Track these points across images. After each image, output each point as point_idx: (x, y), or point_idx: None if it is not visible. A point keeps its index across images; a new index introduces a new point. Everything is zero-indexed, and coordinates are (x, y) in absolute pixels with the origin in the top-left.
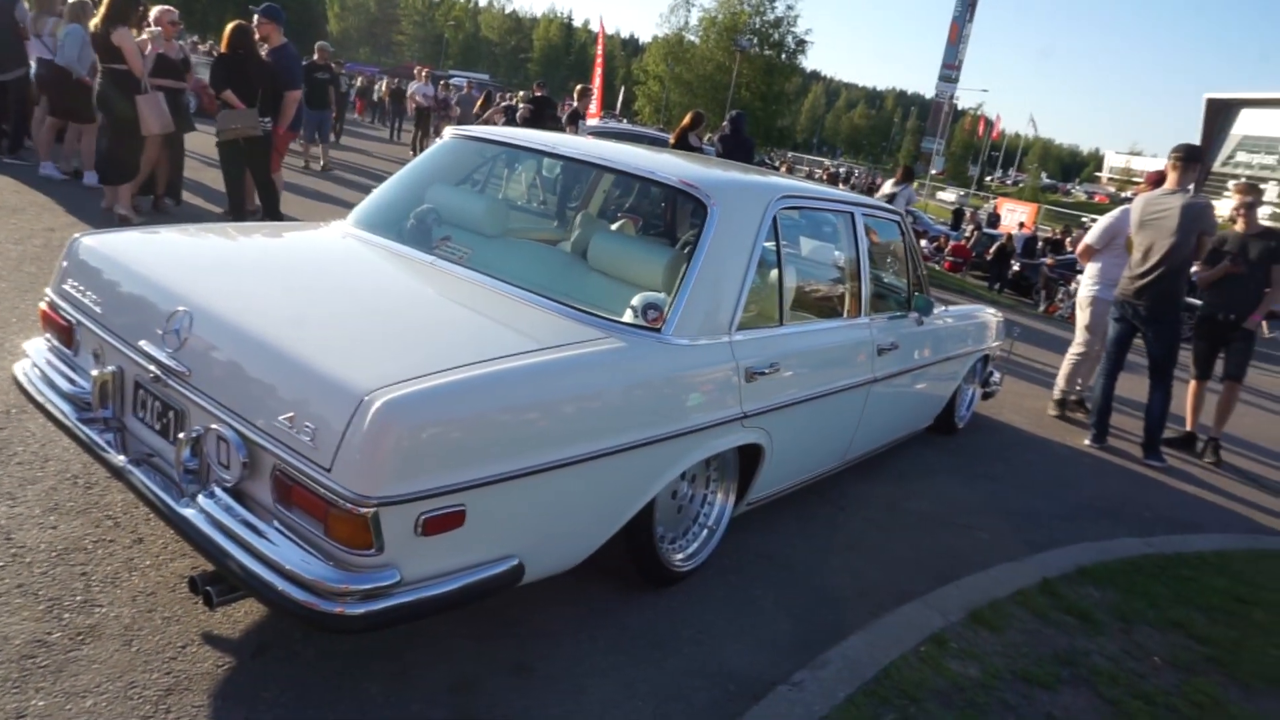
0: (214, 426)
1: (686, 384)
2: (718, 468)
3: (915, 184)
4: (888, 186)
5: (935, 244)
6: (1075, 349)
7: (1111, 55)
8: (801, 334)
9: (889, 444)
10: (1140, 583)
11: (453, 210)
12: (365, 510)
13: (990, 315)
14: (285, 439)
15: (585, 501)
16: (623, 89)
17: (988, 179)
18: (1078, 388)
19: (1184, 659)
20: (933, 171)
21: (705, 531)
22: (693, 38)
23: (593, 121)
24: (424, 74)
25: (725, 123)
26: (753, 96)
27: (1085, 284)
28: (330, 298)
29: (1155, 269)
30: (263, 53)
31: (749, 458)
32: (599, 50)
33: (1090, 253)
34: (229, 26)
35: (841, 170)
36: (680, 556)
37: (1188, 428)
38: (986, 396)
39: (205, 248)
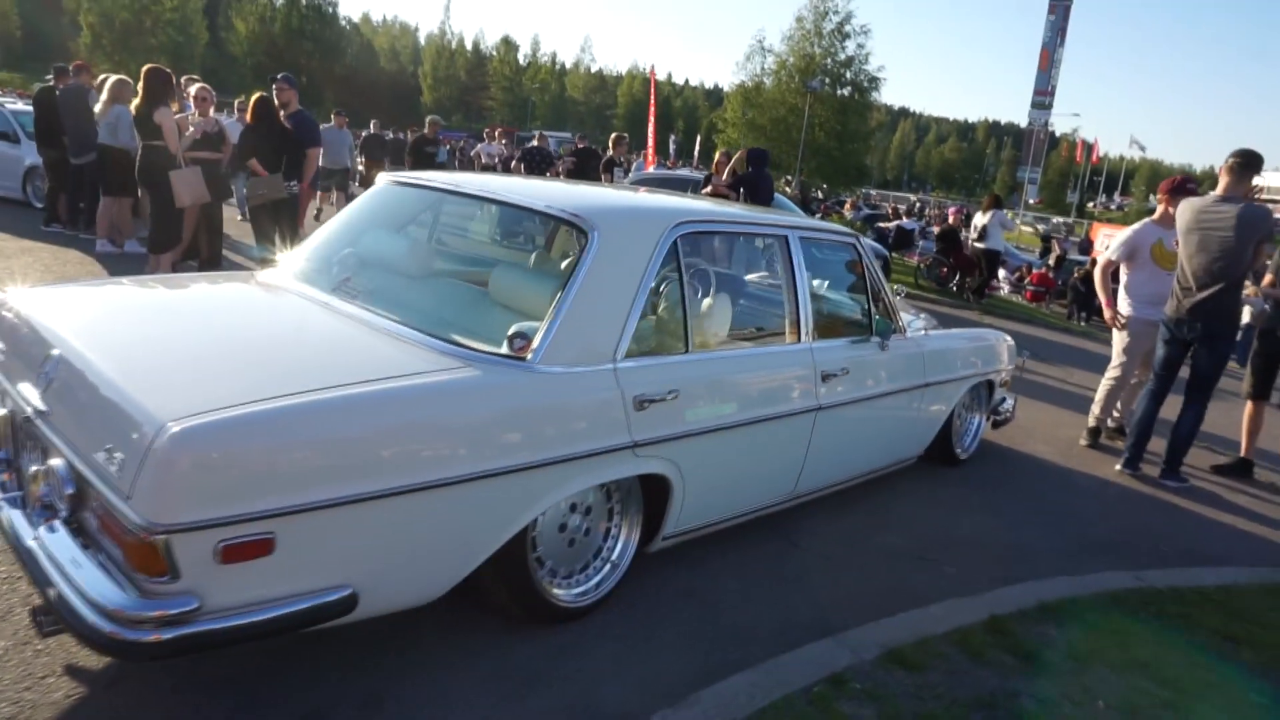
0: (52, 461)
1: (555, 412)
2: (621, 500)
3: (1010, 213)
4: (979, 217)
5: (1016, 274)
6: (1111, 372)
7: (1223, 67)
8: (710, 360)
9: (860, 476)
10: (1113, 620)
11: (375, 253)
12: (156, 537)
13: (997, 337)
14: (102, 470)
15: (434, 531)
16: (699, 138)
17: (1089, 205)
18: (1115, 414)
19: (1137, 704)
20: (1029, 200)
21: (608, 567)
22: (767, 81)
23: (649, 169)
24: (495, 134)
25: (748, 161)
26: (827, 136)
27: (1118, 304)
28: (191, 337)
29: (1211, 284)
30: (282, 116)
31: (658, 490)
32: (651, 100)
33: (1110, 267)
34: (253, 99)
35: (917, 202)
36: (574, 592)
37: (1243, 453)
38: (998, 425)
39: (110, 297)
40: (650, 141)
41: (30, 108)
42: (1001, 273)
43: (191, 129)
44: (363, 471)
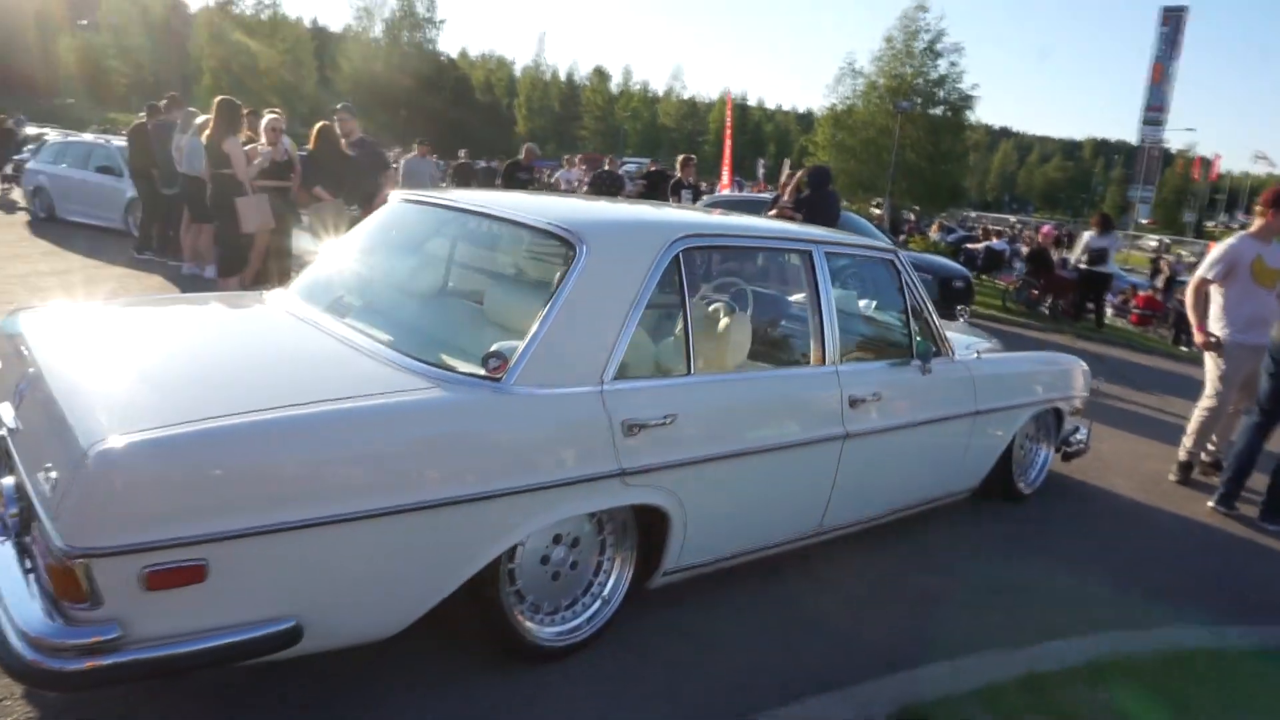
0: (4, 479)
1: (530, 436)
2: (614, 532)
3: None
4: (1087, 238)
5: (1121, 296)
6: (1206, 402)
7: None
8: (715, 384)
9: (899, 510)
10: (1176, 684)
11: (376, 270)
12: (75, 561)
13: (1068, 361)
14: (40, 489)
15: (390, 561)
16: (788, 162)
17: (1208, 224)
18: (1210, 447)
19: None
20: (1141, 220)
21: (598, 603)
22: (858, 103)
23: (723, 193)
24: (574, 161)
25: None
26: (919, 157)
27: (1212, 326)
28: (164, 356)
29: None
30: (345, 146)
31: (656, 522)
32: (728, 123)
33: (1203, 287)
34: (315, 128)
35: (1017, 224)
36: (558, 629)
37: None
38: (1069, 457)
39: (109, 316)
40: (726, 164)
41: None
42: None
43: (259, 158)
44: (307, 496)
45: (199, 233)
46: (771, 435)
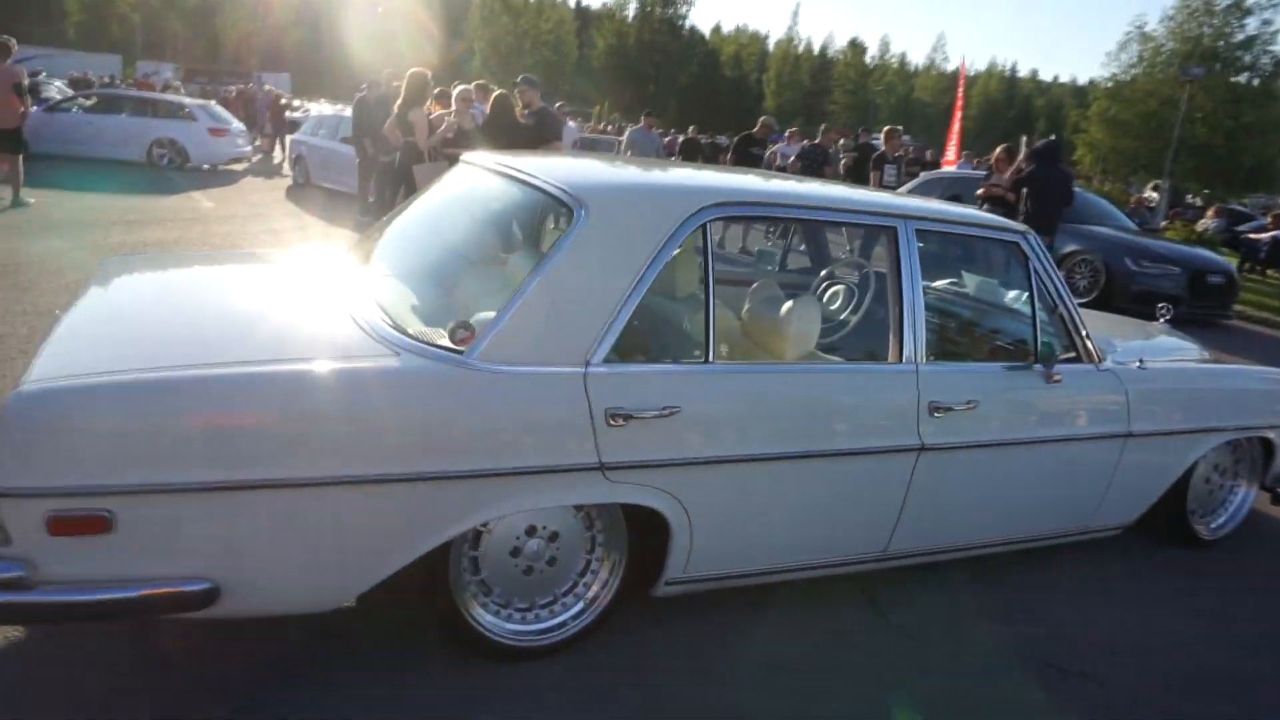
0: None
1: (490, 417)
2: (605, 530)
3: None
4: None
5: None
6: None
7: None
8: (737, 375)
9: (1006, 542)
10: None
11: (420, 232)
12: None
13: None
14: None
15: (320, 534)
16: (1023, 140)
17: None
18: None
19: None
20: None
21: (580, 605)
22: (1139, 72)
23: (945, 169)
24: (793, 136)
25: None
26: (1211, 132)
27: None
28: (166, 310)
29: None
30: (521, 115)
31: (656, 524)
32: (959, 96)
33: None
34: (492, 97)
35: None
36: (529, 628)
37: None
38: None
39: (166, 267)
40: (952, 140)
41: None
42: None
43: (444, 126)
44: (229, 458)
45: (404, 197)
46: (813, 441)
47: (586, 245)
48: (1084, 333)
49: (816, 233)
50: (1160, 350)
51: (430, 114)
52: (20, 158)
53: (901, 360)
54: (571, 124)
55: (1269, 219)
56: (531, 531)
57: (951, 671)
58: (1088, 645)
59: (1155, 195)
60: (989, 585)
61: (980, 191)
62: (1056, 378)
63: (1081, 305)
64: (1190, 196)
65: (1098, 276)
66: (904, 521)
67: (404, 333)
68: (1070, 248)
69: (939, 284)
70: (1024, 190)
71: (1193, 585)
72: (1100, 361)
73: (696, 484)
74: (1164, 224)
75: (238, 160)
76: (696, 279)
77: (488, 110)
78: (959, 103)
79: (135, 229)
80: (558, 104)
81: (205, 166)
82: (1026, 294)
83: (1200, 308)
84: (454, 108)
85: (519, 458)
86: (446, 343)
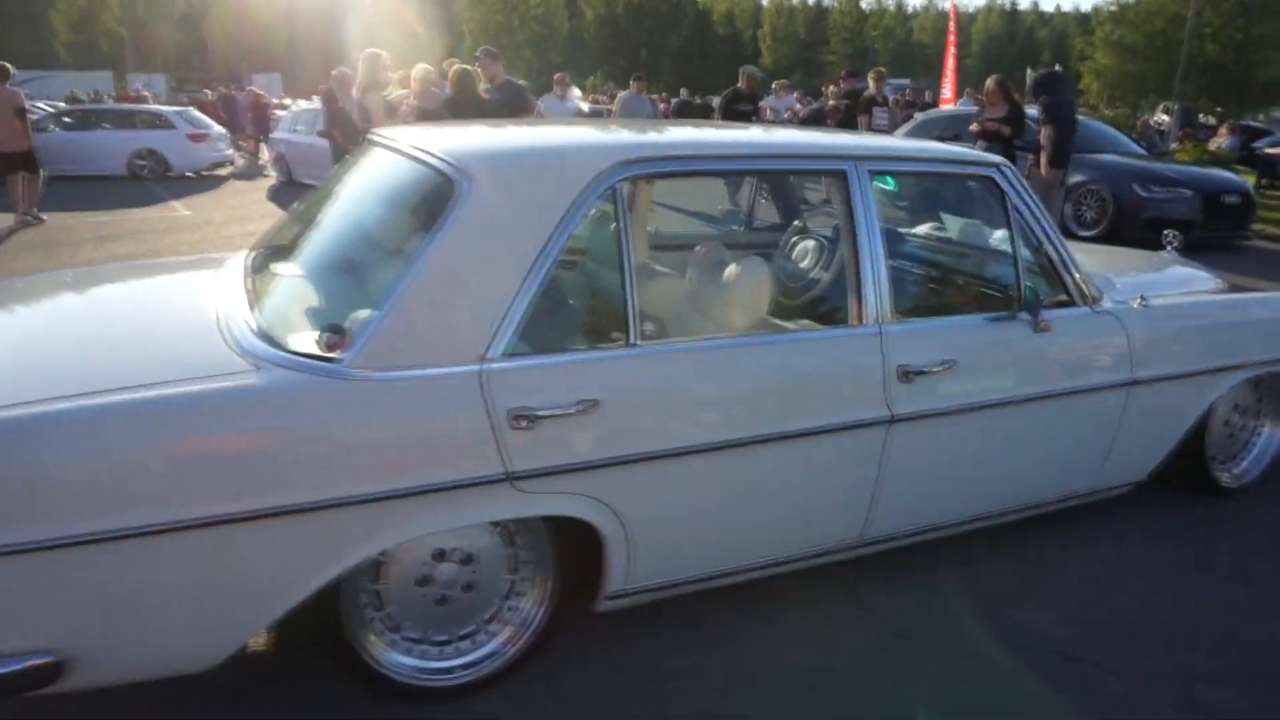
0: None
1: (370, 432)
2: (529, 546)
3: None
4: None
5: None
6: None
7: None
8: (665, 357)
9: (1001, 512)
10: None
11: (311, 224)
12: None
13: None
14: None
15: (183, 586)
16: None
17: None
18: None
19: None
20: None
21: (508, 631)
22: None
23: (943, 109)
24: (782, 88)
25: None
26: (1220, 48)
27: None
28: (32, 333)
29: None
30: (484, 91)
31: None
32: (950, 31)
33: None
34: (451, 71)
35: None
36: (449, 663)
37: None
38: None
39: (39, 292)
40: (949, 77)
41: None
42: None
43: (404, 109)
44: (57, 511)
45: None
46: (764, 424)
47: (473, 223)
48: (1075, 272)
49: (780, 182)
50: (1167, 283)
51: (391, 96)
52: (37, 177)
53: (863, 322)
54: (576, 92)
55: None
56: (441, 556)
57: (946, 672)
58: (1100, 628)
59: (1166, 118)
60: (985, 567)
61: (974, 128)
62: (1045, 326)
63: (1090, 238)
64: (1203, 116)
65: (1105, 206)
66: (880, 503)
67: (272, 343)
68: (1075, 179)
69: (920, 230)
70: (1048, 124)
71: (1216, 545)
72: (1096, 303)
73: (628, 486)
74: (1174, 146)
75: (221, 165)
76: (613, 250)
77: (450, 89)
78: (951, 39)
79: (105, 244)
80: (556, 75)
81: (188, 174)
82: (1003, 234)
83: (1216, 230)
84: (414, 89)
85: (410, 476)
86: (318, 351)
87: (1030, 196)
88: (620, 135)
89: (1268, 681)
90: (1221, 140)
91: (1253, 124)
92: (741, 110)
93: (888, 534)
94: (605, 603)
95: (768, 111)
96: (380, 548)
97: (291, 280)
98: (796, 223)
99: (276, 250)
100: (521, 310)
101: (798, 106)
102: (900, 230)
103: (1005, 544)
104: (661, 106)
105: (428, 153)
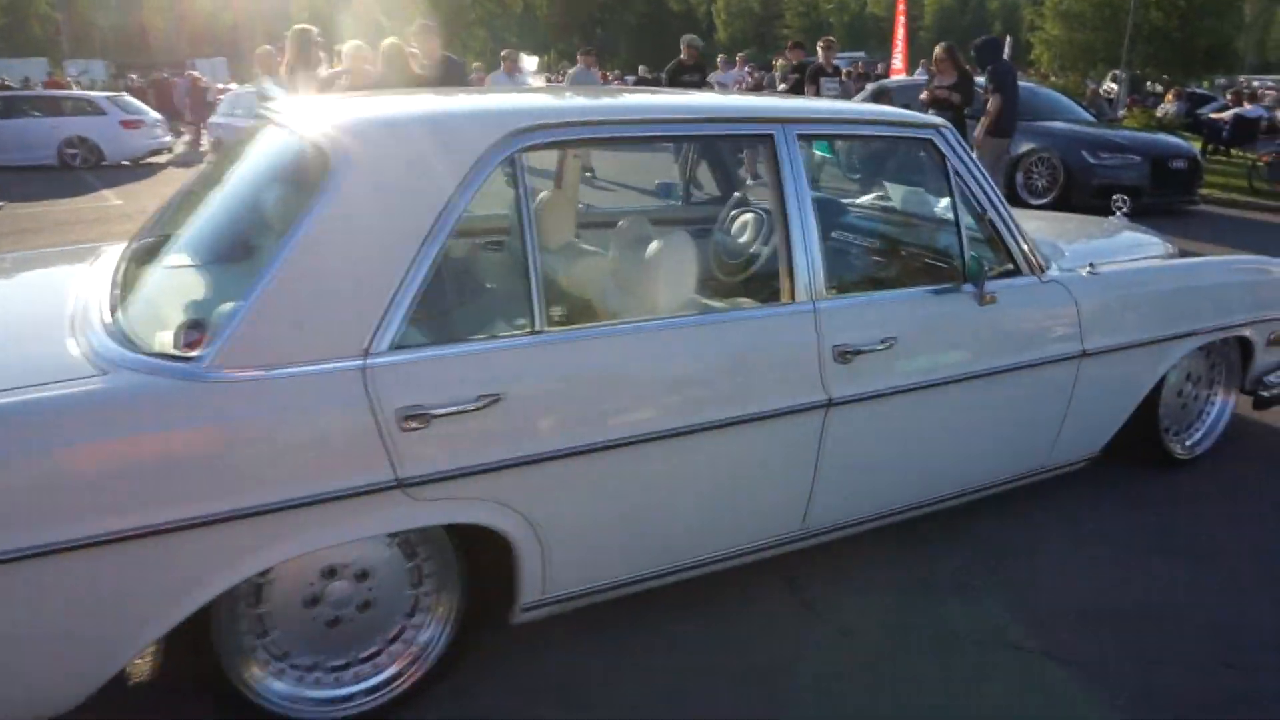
0: None
1: (231, 440)
2: (432, 558)
3: None
4: None
5: None
6: None
7: None
8: (574, 344)
9: (950, 496)
10: None
11: (189, 210)
12: None
13: (1261, 268)
14: None
15: (21, 623)
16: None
17: None
18: None
19: None
20: None
21: (414, 650)
22: None
23: (893, 79)
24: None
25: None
26: (1164, 16)
27: None
28: None
29: None
30: (419, 67)
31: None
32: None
33: None
34: (382, 45)
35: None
36: (343, 691)
37: None
38: (1263, 404)
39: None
40: (898, 47)
41: None
42: None
43: (336, 87)
44: None
45: None
46: (688, 412)
47: (350, 202)
48: (1021, 240)
49: (718, 152)
50: (1117, 249)
51: (324, 75)
52: None
53: (795, 298)
54: (530, 65)
55: (1229, 97)
56: (331, 573)
57: (887, 672)
58: (1055, 617)
59: (1114, 86)
60: (933, 555)
61: (924, 96)
62: (990, 298)
63: (1041, 206)
64: (1150, 84)
65: (1056, 174)
66: (820, 493)
67: (127, 343)
68: (1026, 147)
69: (860, 200)
70: (995, 92)
71: (1171, 522)
72: (1043, 272)
73: (538, 488)
74: (1122, 113)
75: (158, 152)
76: (515, 228)
77: (379, 65)
78: (901, 7)
79: (27, 237)
80: (504, 51)
81: (124, 162)
82: (945, 200)
83: (1164, 196)
84: (344, 66)
85: (286, 488)
86: (174, 350)
87: (972, 160)
88: (520, 102)
89: (1227, 664)
90: (1168, 106)
91: (1197, 90)
92: (687, 83)
93: (830, 524)
94: (521, 614)
95: (715, 86)
96: (257, 568)
97: (163, 272)
98: (737, 194)
99: (153, 239)
100: (410, 297)
101: (749, 80)
102: (838, 200)
103: (952, 531)
104: (614, 83)
105: (303, 125)
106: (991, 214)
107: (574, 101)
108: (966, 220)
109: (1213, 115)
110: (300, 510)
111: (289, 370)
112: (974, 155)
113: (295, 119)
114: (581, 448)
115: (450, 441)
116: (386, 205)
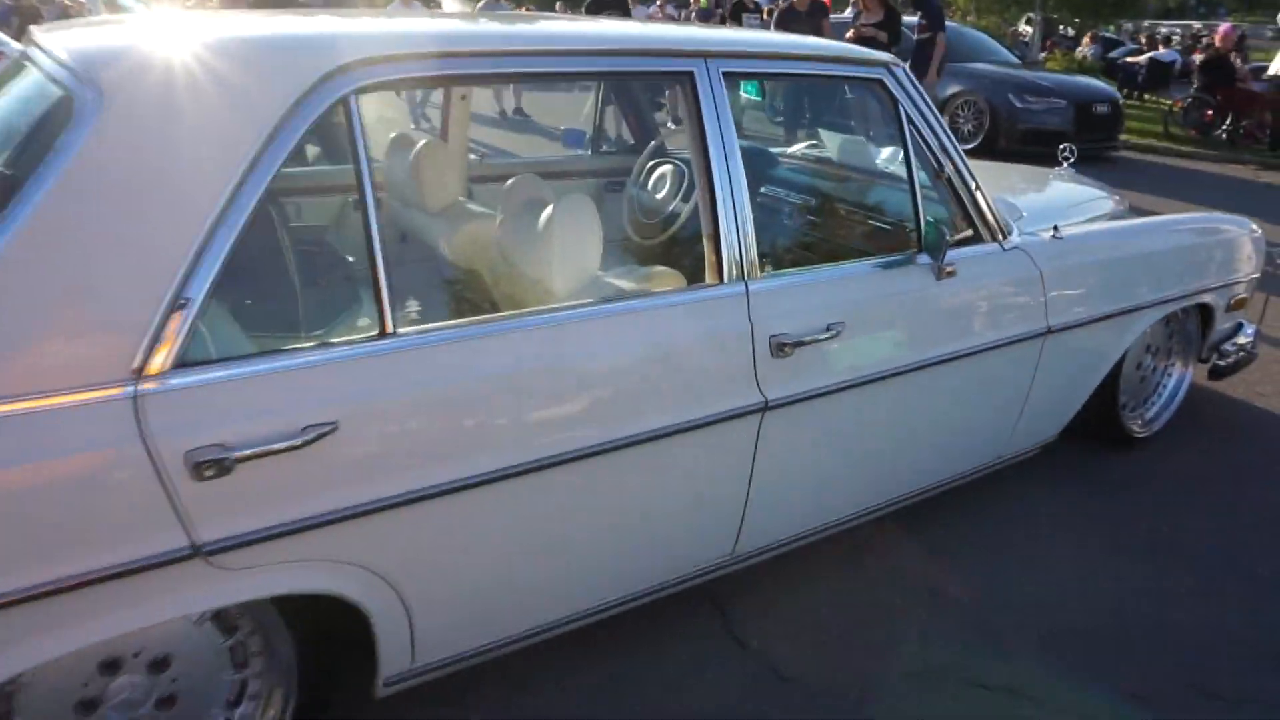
0: None
1: None
2: (256, 632)
3: None
4: None
5: None
6: None
7: None
8: (440, 348)
9: (900, 499)
10: None
11: None
12: None
13: (1233, 229)
14: None
15: None
16: None
17: None
18: None
19: None
20: None
21: None
22: None
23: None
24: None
25: None
26: None
27: None
28: None
29: None
30: None
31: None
32: None
33: None
34: None
35: (1203, 30)
36: None
37: None
38: (1220, 373)
39: None
40: None
41: None
42: None
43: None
44: None
45: None
46: (589, 430)
47: (101, 164)
48: (982, 202)
49: (630, 92)
50: (1072, 207)
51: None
52: None
53: (723, 278)
54: None
55: (1144, 40)
56: (112, 668)
57: (823, 708)
58: (1015, 641)
59: (1029, 30)
60: (874, 571)
61: (849, 35)
62: (949, 270)
63: (969, 152)
64: (1062, 28)
65: (982, 118)
66: (755, 511)
67: None
68: (952, 89)
69: (794, 151)
70: (940, 30)
71: (1135, 507)
72: (1006, 238)
73: (394, 539)
74: (1043, 56)
75: None
76: (353, 196)
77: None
78: None
79: None
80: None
81: None
82: (897, 155)
83: (1089, 141)
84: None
85: (29, 571)
86: None
87: (928, 105)
88: (358, 28)
89: (1209, 694)
90: (1086, 49)
91: (1106, 34)
92: (607, 18)
93: (767, 544)
94: (385, 689)
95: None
96: (17, 670)
97: None
98: (654, 143)
99: None
100: (199, 295)
101: (660, 16)
102: (769, 151)
103: (896, 536)
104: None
105: (54, 56)
106: (950, 169)
107: (434, 28)
108: (921, 176)
109: (1128, 59)
110: (56, 598)
111: (21, 406)
112: (929, 99)
113: (53, 47)
114: (450, 484)
115: (265, 491)
116: (160, 170)
